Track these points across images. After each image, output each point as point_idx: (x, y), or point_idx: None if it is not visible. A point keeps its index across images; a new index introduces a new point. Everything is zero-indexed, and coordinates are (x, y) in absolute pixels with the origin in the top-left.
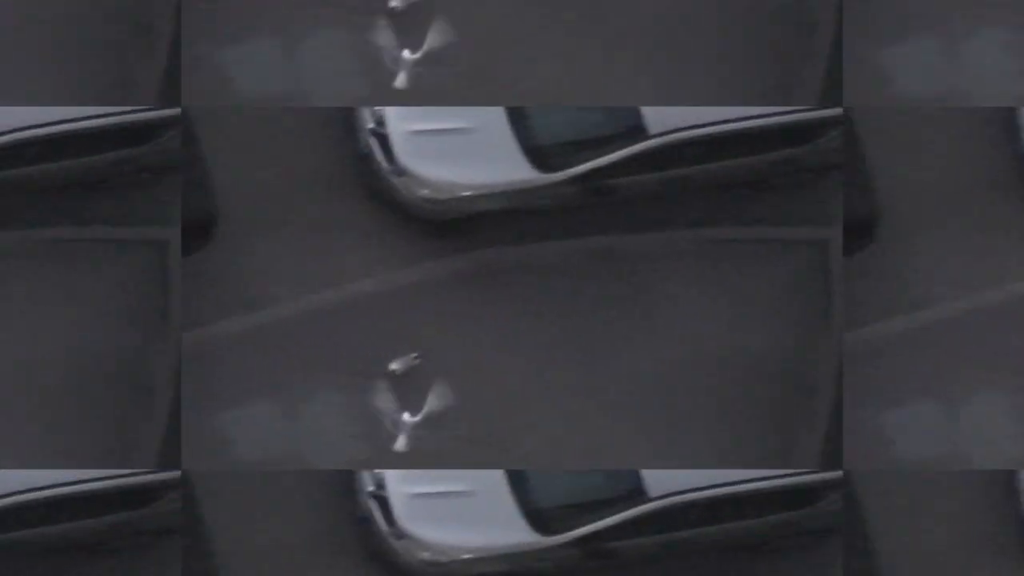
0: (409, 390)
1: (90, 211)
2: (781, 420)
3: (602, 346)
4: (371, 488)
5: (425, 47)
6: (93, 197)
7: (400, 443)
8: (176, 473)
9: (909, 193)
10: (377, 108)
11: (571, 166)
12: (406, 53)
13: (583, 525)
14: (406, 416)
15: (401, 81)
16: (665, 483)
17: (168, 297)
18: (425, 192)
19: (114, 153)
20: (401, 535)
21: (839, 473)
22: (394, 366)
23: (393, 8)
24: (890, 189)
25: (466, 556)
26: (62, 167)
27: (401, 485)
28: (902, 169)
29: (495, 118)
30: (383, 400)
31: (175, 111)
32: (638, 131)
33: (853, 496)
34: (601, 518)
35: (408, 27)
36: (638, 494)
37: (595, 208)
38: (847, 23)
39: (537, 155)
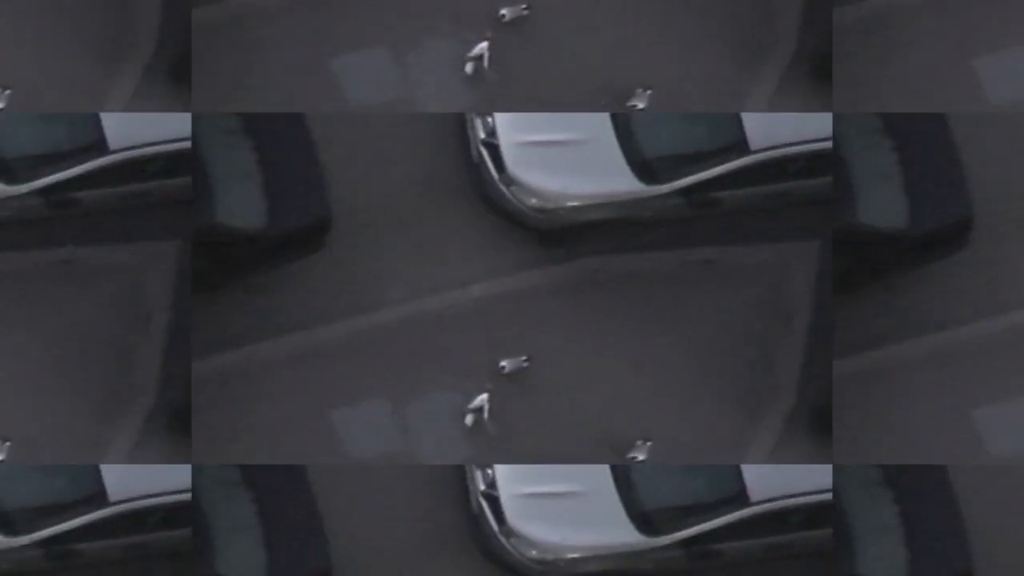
0: (510, 388)
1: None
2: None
3: (702, 352)
4: (482, 487)
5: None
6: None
7: (468, 419)
8: (186, 466)
9: (1002, 198)
10: (489, 119)
11: (675, 179)
12: (484, 46)
13: (687, 527)
14: (484, 397)
15: (469, 68)
16: (767, 487)
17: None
18: (534, 201)
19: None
20: (510, 533)
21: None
22: (503, 363)
23: (501, 16)
24: (984, 194)
25: (573, 555)
26: (180, 183)
27: (511, 485)
28: (996, 175)
29: (602, 131)
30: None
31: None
32: (741, 145)
33: (949, 490)
34: (705, 520)
35: (514, 37)
36: (741, 497)
37: (698, 220)
38: (945, 31)
39: (642, 167)
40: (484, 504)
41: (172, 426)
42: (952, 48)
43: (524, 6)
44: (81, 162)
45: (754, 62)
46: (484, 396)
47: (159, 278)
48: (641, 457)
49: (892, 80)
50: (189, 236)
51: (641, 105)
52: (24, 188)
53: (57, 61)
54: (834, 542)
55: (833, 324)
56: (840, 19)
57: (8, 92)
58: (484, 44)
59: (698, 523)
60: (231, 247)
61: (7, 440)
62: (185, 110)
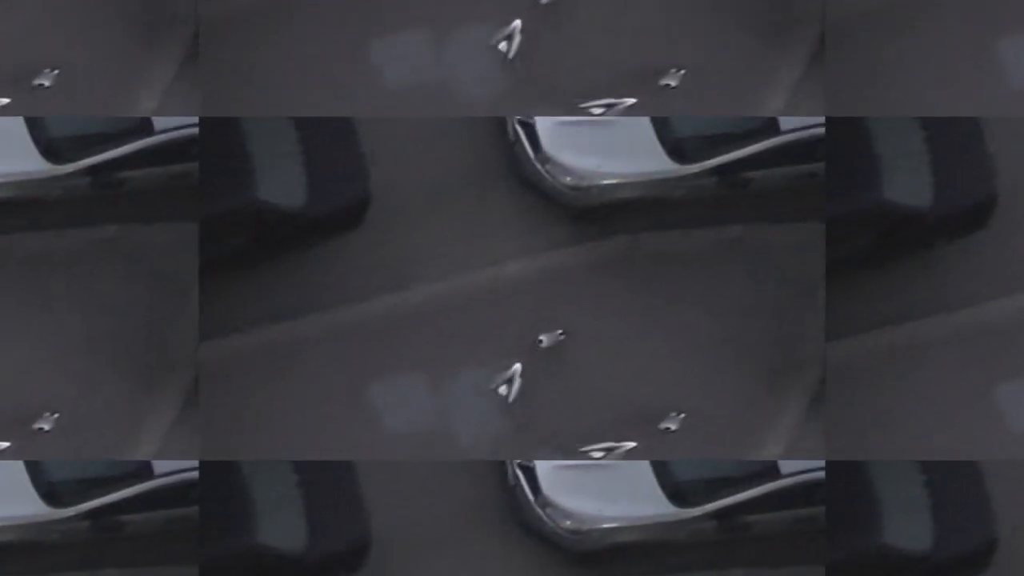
0: (544, 364)
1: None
2: None
3: (730, 327)
4: (519, 459)
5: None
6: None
7: (502, 389)
8: (194, 462)
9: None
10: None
11: (707, 159)
12: (517, 24)
13: (718, 499)
14: (517, 367)
15: (503, 46)
16: (798, 461)
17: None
18: (569, 179)
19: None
20: (546, 504)
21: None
22: (541, 338)
23: None
24: (1007, 178)
25: (606, 525)
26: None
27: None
28: (1017, 156)
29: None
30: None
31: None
32: (771, 127)
33: (974, 463)
34: (736, 493)
35: (548, 19)
36: (772, 471)
37: (728, 199)
38: (964, 13)
39: (675, 147)
40: (520, 476)
41: None
42: (972, 31)
43: None
44: (127, 143)
45: (783, 43)
46: (517, 367)
47: (196, 256)
48: (674, 428)
49: (904, 72)
50: (196, 220)
51: (674, 84)
52: (70, 168)
53: (97, 41)
54: (826, 522)
55: (823, 308)
56: (844, 7)
57: (56, 72)
58: (517, 23)
59: (729, 495)
60: (272, 225)
61: (55, 412)
62: (192, 113)
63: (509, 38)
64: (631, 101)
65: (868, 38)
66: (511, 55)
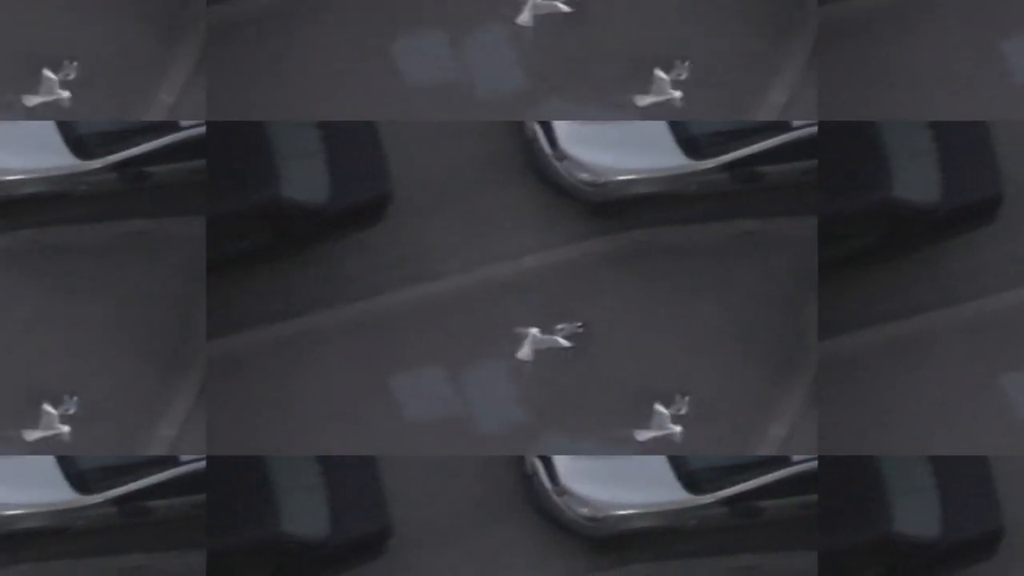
0: (561, 354)
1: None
2: None
3: (742, 318)
4: (536, 450)
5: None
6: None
7: (525, 352)
8: (201, 461)
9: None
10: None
11: (720, 154)
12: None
13: (731, 486)
14: (535, 331)
15: (525, 18)
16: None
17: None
18: (585, 175)
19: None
20: (563, 492)
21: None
22: (560, 326)
23: None
24: (1013, 174)
25: (622, 512)
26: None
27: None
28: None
29: None
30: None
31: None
32: (783, 123)
33: (984, 465)
34: (747, 479)
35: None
36: (783, 457)
37: (741, 193)
38: (970, 12)
39: (688, 143)
40: (538, 464)
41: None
42: (973, 30)
43: None
44: (153, 139)
45: (785, 37)
46: (534, 331)
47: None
48: (684, 411)
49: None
50: (204, 215)
51: (683, 76)
52: (98, 163)
53: (118, 32)
54: (818, 509)
55: (815, 302)
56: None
57: (76, 64)
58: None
59: (741, 482)
60: (294, 221)
61: (74, 395)
62: (200, 119)
63: (526, 11)
64: (678, 95)
65: (868, 38)
66: (530, 22)
